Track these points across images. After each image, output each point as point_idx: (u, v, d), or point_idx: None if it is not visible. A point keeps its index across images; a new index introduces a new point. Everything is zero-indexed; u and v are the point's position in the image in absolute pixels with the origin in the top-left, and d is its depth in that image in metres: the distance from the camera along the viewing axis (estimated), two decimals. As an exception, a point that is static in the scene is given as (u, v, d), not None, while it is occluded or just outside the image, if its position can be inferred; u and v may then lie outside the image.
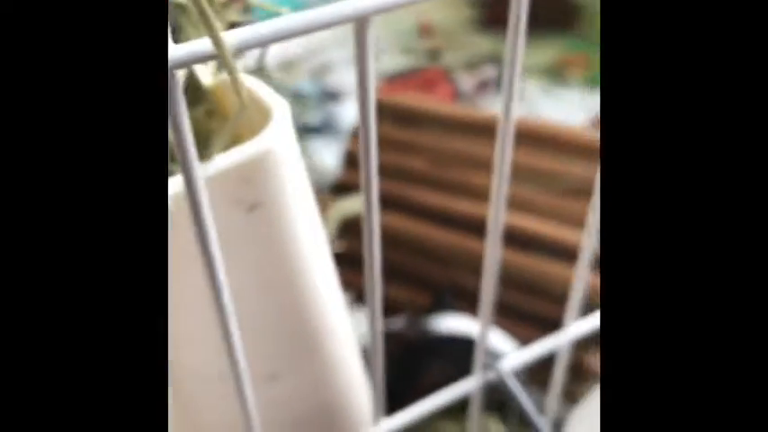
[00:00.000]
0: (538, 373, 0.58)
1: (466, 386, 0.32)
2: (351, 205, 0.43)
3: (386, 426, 0.30)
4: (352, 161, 0.78)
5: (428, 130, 0.77)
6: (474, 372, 0.32)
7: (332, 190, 0.79)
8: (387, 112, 0.79)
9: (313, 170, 0.97)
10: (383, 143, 0.78)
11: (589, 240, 0.31)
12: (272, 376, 0.27)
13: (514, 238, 0.68)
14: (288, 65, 1.16)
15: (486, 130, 0.74)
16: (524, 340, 0.67)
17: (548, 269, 0.66)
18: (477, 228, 0.70)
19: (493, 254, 0.26)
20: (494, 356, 0.56)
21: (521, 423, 0.65)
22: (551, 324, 0.42)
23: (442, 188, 0.73)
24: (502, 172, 0.24)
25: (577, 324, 0.33)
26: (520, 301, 0.67)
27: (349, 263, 0.76)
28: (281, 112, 0.25)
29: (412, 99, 0.81)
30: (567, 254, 0.66)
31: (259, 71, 0.56)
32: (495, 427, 0.64)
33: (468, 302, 0.69)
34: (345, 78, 1.13)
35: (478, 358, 0.31)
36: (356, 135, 0.81)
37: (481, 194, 0.72)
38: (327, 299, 0.28)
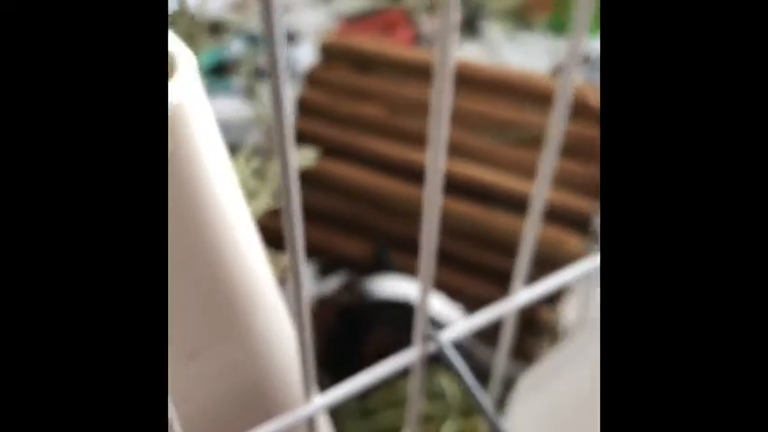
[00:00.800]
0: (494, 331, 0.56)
1: (405, 358, 0.30)
2: (301, 156, 0.40)
3: (319, 402, 0.28)
4: (305, 109, 0.74)
5: (385, 76, 0.73)
6: (414, 344, 0.29)
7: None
8: (342, 57, 0.75)
9: (266, 117, 0.93)
10: (338, 90, 0.75)
11: (540, 192, 0.28)
12: (192, 354, 0.24)
13: (473, 191, 0.65)
14: (241, 6, 1.11)
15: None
16: (481, 295, 0.66)
17: (507, 222, 0.64)
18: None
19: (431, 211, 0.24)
20: (435, 322, 0.54)
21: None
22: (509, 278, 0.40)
23: (398, 137, 0.70)
24: (440, 116, 0.21)
25: (525, 291, 0.31)
26: (480, 256, 0.66)
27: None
28: (186, 62, 0.21)
29: (368, 42, 0.77)
30: (525, 206, 0.64)
31: (179, 15, 0.51)
32: (448, 384, 0.63)
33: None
34: (303, 20, 1.08)
35: (418, 329, 0.29)
36: (311, 80, 0.77)
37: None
38: (250, 267, 0.26)
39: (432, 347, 0.30)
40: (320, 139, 0.72)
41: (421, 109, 0.71)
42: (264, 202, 0.39)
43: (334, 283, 0.63)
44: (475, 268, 0.65)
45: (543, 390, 0.30)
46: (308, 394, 0.27)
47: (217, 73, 1.00)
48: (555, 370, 0.31)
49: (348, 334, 0.59)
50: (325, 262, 0.68)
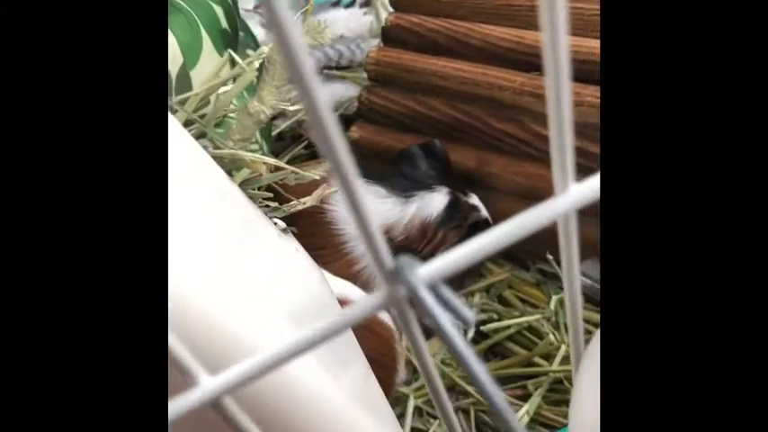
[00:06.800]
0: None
1: (370, 302, 0.18)
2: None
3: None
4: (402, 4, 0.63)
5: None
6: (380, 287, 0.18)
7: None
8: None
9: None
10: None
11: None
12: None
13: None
14: None
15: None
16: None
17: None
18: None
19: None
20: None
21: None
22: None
23: (506, 20, 0.56)
24: None
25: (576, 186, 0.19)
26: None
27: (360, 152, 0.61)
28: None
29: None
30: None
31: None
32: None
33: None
34: None
35: (382, 274, 0.17)
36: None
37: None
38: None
39: (401, 291, 0.18)
40: (419, 34, 0.60)
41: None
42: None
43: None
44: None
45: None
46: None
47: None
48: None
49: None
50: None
